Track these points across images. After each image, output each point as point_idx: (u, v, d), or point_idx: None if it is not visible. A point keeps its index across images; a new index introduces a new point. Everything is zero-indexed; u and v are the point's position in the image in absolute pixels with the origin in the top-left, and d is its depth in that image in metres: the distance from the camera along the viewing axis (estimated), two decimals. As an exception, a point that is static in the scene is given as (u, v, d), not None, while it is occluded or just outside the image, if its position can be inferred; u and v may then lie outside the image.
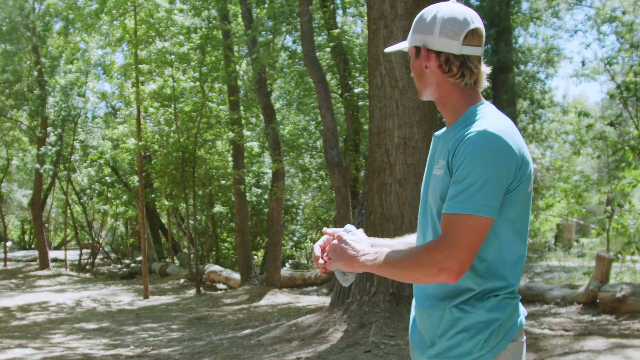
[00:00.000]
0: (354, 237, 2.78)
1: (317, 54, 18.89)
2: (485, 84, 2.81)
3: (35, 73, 28.48)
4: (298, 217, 29.47)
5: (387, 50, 3.07)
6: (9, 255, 37.10)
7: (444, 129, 2.85)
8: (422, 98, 2.88)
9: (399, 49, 2.96)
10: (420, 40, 2.77)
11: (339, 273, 2.82)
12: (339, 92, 21.06)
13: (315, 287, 21.00)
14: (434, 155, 2.81)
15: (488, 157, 2.50)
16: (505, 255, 2.63)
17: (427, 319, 2.70)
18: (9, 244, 45.77)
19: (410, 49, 2.85)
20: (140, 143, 20.50)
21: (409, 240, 3.06)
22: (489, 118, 2.63)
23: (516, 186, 2.59)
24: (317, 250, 2.89)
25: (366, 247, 2.73)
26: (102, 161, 29.39)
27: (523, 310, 2.75)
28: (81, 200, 34.43)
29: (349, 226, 2.87)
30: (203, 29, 20.67)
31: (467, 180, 2.50)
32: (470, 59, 2.73)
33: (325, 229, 2.95)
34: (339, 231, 2.86)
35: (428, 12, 2.79)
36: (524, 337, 2.73)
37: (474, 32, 2.72)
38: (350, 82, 20.12)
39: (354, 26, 24.89)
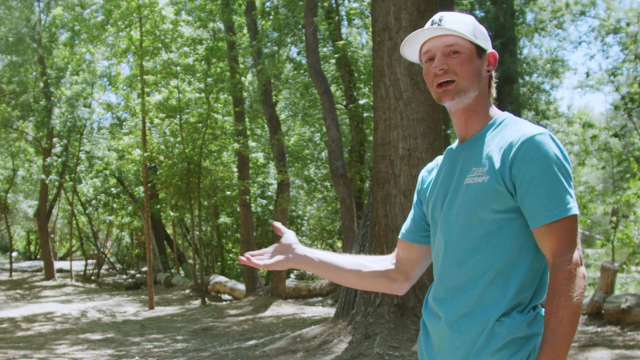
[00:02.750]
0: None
1: (322, 65, 18.95)
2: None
3: (41, 84, 28.61)
4: (303, 228, 29.48)
5: (411, 36, 2.79)
6: (15, 265, 37.17)
7: (455, 143, 2.79)
8: (454, 99, 2.67)
9: (458, 34, 2.69)
10: (487, 45, 2.74)
11: None
12: (344, 103, 21.10)
13: (320, 298, 20.99)
14: (456, 167, 2.70)
15: (559, 156, 2.48)
16: (544, 265, 2.57)
17: (461, 335, 2.55)
18: (14, 254, 45.86)
19: (469, 45, 2.69)
20: (145, 154, 20.55)
21: (357, 261, 2.99)
22: (529, 123, 2.61)
23: None
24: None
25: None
26: (107, 172, 29.46)
27: None
28: (87, 211, 34.50)
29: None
30: (208, 41, 20.76)
31: (553, 184, 2.46)
32: None
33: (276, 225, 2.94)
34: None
35: (479, 25, 2.77)
36: None
37: None
38: (355, 94, 20.17)
39: (359, 37, 24.96)
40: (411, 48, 2.81)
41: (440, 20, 2.71)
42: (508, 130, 2.59)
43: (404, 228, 3.03)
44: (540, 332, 2.47)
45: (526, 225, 2.52)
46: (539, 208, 2.45)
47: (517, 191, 2.49)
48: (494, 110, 2.74)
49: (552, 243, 2.45)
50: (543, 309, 2.53)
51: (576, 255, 2.43)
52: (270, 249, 2.91)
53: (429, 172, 2.94)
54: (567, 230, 2.44)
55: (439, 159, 2.91)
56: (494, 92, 2.78)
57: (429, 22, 2.74)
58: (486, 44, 2.73)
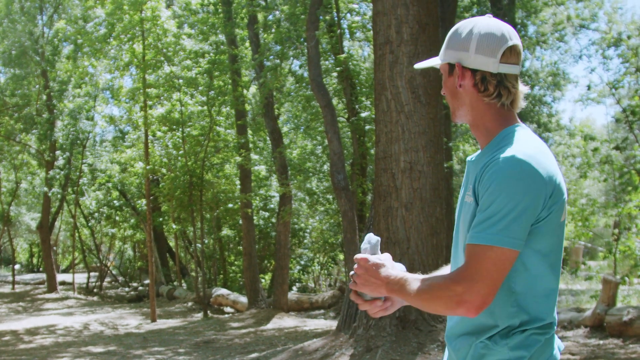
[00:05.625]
0: (379, 257, 2.66)
1: (324, 78, 18.98)
2: (522, 104, 2.66)
3: (44, 97, 28.66)
4: (305, 241, 29.48)
5: (417, 66, 2.87)
6: (17, 278, 37.14)
7: (478, 152, 2.70)
8: (455, 120, 2.70)
9: (431, 65, 2.77)
10: (455, 57, 2.62)
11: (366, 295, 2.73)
12: (346, 116, 21.13)
13: (322, 311, 20.99)
14: (467, 180, 2.66)
15: (514, 185, 2.36)
16: (536, 288, 2.50)
17: (455, 354, 2.62)
18: (17, 266, 45.82)
19: (443, 65, 2.69)
20: (148, 167, 20.57)
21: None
22: (520, 142, 2.49)
23: (546, 216, 2.45)
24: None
25: (392, 270, 2.61)
26: (110, 185, 29.47)
27: (559, 344, 2.62)
28: (89, 224, 34.50)
29: (372, 238, 2.73)
30: (211, 54, 20.82)
31: (490, 210, 2.37)
32: (507, 77, 2.58)
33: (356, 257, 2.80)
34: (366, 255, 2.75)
35: (463, 26, 2.63)
36: None
37: (512, 50, 2.58)
38: (356, 107, 20.19)
39: (361, 50, 25.01)
40: None
41: None
42: (496, 150, 2.51)
43: None
44: (525, 356, 2.48)
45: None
46: (472, 226, 2.44)
47: None
48: (504, 122, 2.62)
49: (463, 262, 2.47)
50: (533, 332, 2.51)
51: (465, 286, 2.39)
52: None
53: None
54: (476, 257, 2.39)
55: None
56: (510, 107, 2.64)
57: None
58: (454, 55, 2.63)
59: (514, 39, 2.59)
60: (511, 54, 2.58)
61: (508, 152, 2.42)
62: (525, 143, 2.50)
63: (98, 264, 35.06)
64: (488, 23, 2.61)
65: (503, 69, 2.57)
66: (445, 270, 2.86)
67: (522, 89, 2.65)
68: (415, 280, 2.53)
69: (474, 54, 2.57)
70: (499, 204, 2.37)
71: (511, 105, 2.63)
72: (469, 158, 2.74)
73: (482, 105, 2.61)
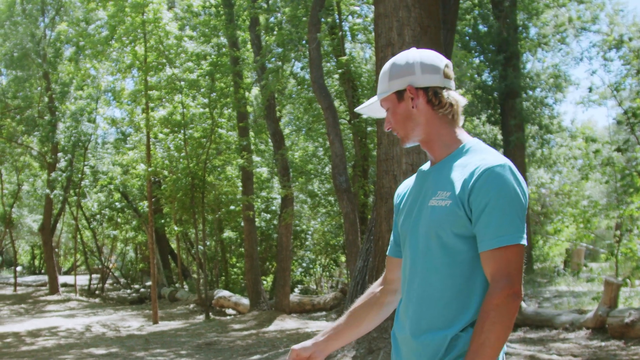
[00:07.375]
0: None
1: (326, 80, 18.98)
2: (462, 117, 2.92)
3: (46, 99, 28.71)
4: (307, 243, 29.45)
5: (358, 110, 3.13)
6: (19, 280, 37.16)
7: (428, 164, 2.95)
8: (406, 144, 2.94)
9: (372, 103, 3.02)
10: (403, 82, 2.86)
11: None
12: (348, 118, 21.14)
13: (324, 313, 20.97)
14: (424, 188, 2.86)
15: (515, 188, 2.62)
16: None
17: (424, 348, 2.73)
18: (19, 268, 45.85)
19: (390, 97, 2.91)
20: (149, 169, 20.57)
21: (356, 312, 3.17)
22: (494, 153, 2.75)
23: None
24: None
25: None
26: (112, 187, 29.48)
27: None
28: (91, 226, 34.51)
29: None
30: (212, 56, 20.82)
31: (502, 213, 2.59)
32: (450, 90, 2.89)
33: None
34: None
35: (398, 59, 2.91)
36: None
37: (448, 66, 2.88)
38: (358, 108, 20.17)
39: (362, 52, 25.02)
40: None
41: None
42: (472, 158, 2.74)
43: (389, 246, 3.21)
44: None
45: None
46: (486, 234, 2.61)
47: (472, 217, 2.64)
48: (463, 136, 2.88)
49: (491, 269, 2.61)
50: None
51: (511, 285, 2.57)
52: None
53: (404, 190, 3.09)
54: (507, 259, 2.59)
55: (414, 177, 3.06)
56: (457, 118, 2.90)
57: None
58: (402, 81, 2.87)
59: (445, 58, 2.91)
60: (449, 70, 2.89)
61: (497, 161, 2.67)
62: (498, 153, 2.76)
63: (100, 266, 35.09)
64: (419, 51, 2.92)
65: (447, 84, 2.87)
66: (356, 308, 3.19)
67: (462, 100, 2.92)
68: (471, 348, 2.59)
69: (422, 74, 2.85)
70: (509, 207, 2.62)
71: (457, 117, 2.91)
72: (421, 168, 2.98)
73: (437, 120, 2.86)
